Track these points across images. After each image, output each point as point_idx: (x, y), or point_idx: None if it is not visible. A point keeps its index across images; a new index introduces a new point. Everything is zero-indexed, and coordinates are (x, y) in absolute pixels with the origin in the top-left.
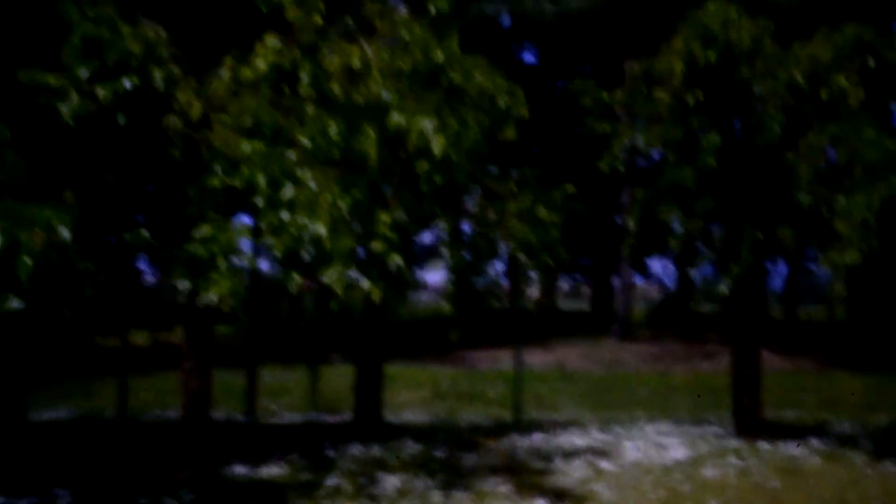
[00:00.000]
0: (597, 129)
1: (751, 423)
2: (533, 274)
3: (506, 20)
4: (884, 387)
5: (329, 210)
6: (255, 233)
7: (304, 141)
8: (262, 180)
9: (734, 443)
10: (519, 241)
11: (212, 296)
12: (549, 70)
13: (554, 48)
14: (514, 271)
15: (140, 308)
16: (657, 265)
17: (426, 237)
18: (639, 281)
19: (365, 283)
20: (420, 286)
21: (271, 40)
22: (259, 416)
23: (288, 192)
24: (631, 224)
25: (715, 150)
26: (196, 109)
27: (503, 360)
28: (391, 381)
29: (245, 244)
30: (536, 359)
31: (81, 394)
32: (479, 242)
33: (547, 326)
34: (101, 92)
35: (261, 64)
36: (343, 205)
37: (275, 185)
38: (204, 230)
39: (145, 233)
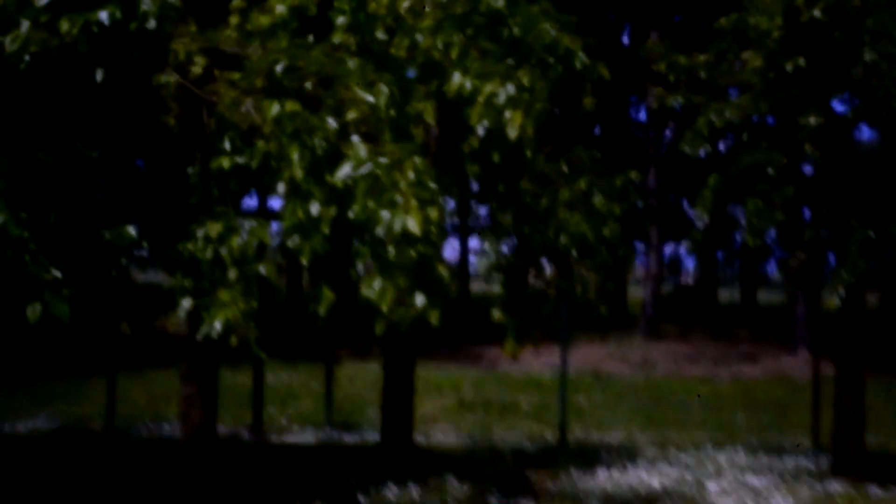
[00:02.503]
0: (666, 101)
1: (854, 461)
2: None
3: None
4: None
5: (416, 194)
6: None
7: (364, 96)
8: (296, 156)
9: (838, 486)
10: (572, 234)
11: (216, 325)
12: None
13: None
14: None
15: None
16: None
17: None
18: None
19: (419, 300)
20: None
21: None
22: (266, 432)
23: (345, 170)
24: (702, 215)
25: (814, 131)
26: (199, 63)
27: (526, 359)
28: None
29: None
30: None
31: (65, 398)
32: (531, 236)
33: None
34: (65, 25)
35: (279, 6)
36: (433, 187)
37: (319, 162)
38: (211, 228)
39: (131, 230)
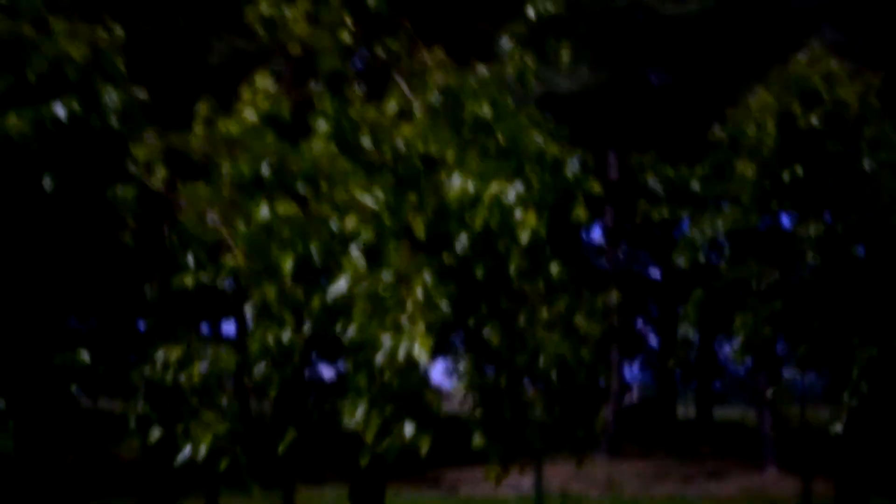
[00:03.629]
0: (653, 214)
1: None
2: None
3: None
4: None
5: (428, 313)
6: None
7: (364, 199)
8: (289, 264)
9: None
10: (551, 356)
11: (202, 449)
12: None
13: None
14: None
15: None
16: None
17: None
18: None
19: (409, 429)
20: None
21: (263, 81)
22: None
23: (341, 285)
24: (687, 331)
25: (816, 242)
26: (160, 173)
27: (485, 481)
28: None
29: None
30: (525, 481)
31: None
32: (511, 356)
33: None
34: (14, 121)
35: (249, 114)
36: (443, 302)
37: (312, 275)
38: (170, 353)
39: (84, 354)
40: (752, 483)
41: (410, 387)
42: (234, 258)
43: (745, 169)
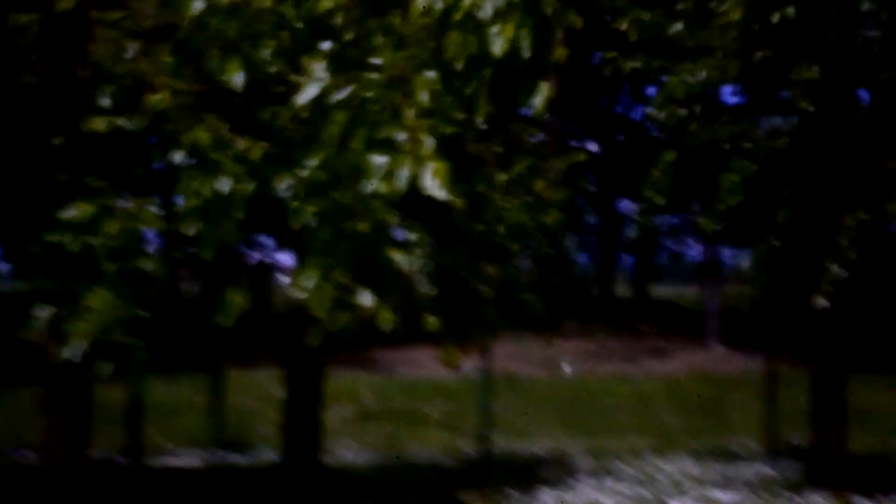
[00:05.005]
0: (622, 66)
1: (834, 469)
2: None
3: None
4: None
5: (433, 129)
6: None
7: None
8: (239, 77)
9: (819, 499)
10: (509, 223)
11: (75, 345)
12: None
13: None
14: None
15: None
16: None
17: None
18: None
19: (367, 299)
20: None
21: None
22: (145, 456)
23: (309, 93)
24: (654, 198)
25: (806, 88)
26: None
27: (423, 362)
28: None
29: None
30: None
31: None
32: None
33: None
34: None
35: None
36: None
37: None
38: (79, 209)
39: None
40: (698, 360)
41: (374, 245)
42: (158, 97)
43: (731, 12)
